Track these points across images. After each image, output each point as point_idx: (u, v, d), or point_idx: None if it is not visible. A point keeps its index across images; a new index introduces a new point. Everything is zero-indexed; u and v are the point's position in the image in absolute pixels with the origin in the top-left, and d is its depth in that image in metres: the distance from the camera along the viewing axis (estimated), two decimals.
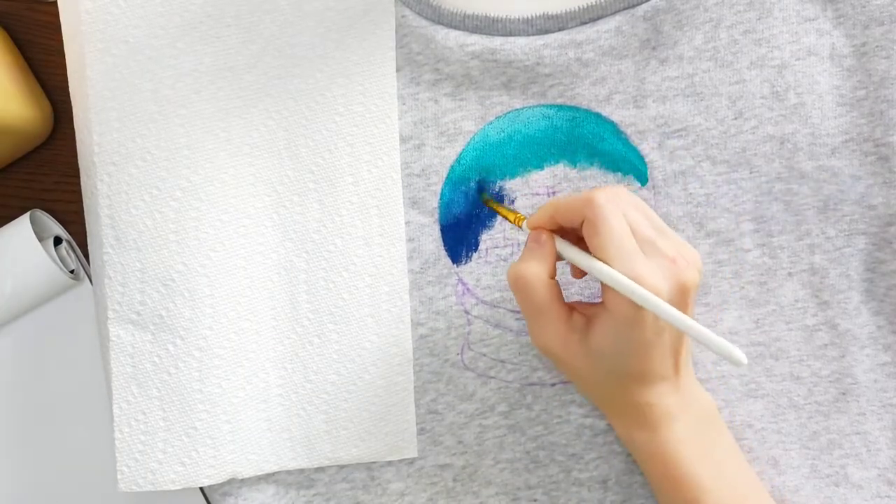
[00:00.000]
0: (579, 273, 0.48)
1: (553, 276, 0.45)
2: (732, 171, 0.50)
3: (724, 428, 0.47)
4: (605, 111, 0.50)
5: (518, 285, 0.44)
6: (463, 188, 0.51)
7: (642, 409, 0.45)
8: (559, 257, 0.45)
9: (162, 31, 0.50)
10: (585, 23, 0.50)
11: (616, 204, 0.43)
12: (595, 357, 0.44)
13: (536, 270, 0.44)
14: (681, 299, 0.42)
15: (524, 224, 0.47)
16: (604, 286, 0.43)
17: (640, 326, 0.42)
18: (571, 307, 0.45)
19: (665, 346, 0.44)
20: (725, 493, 0.44)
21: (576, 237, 0.45)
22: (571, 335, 0.44)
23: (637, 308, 0.42)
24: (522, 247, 0.50)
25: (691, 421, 0.45)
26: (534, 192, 0.51)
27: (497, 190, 0.51)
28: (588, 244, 0.43)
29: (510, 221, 0.48)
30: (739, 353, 0.39)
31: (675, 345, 0.44)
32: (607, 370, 0.45)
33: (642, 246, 0.42)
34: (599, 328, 0.44)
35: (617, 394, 0.45)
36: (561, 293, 0.45)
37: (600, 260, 0.42)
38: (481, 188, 0.50)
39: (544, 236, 0.45)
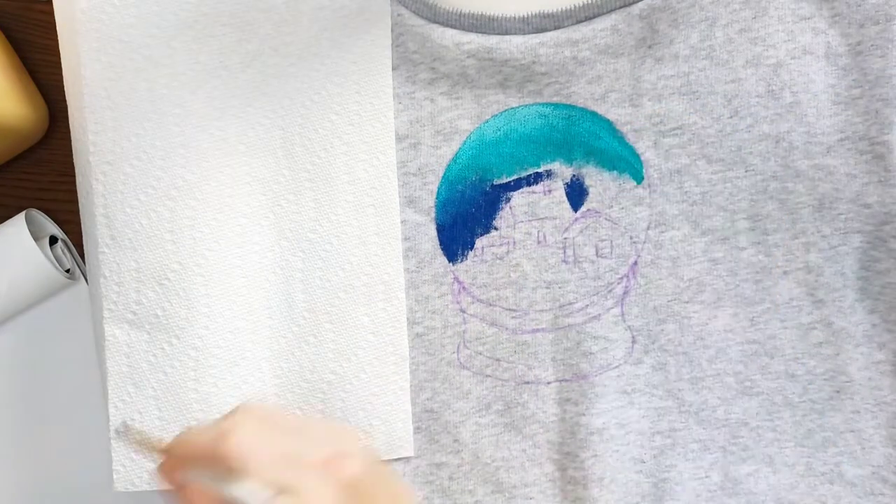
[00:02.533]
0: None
1: None
2: (728, 169, 0.50)
3: None
4: (601, 109, 0.50)
5: None
6: (459, 187, 0.51)
7: None
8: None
9: (157, 30, 0.50)
10: (581, 21, 0.50)
11: (251, 434, 0.39)
12: None
13: None
14: (352, 492, 0.40)
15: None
16: None
17: None
18: None
19: None
20: None
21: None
22: None
23: None
24: (518, 245, 0.51)
25: None
26: (530, 190, 0.51)
27: (490, 189, 0.51)
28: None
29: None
30: None
31: None
32: None
33: (288, 466, 0.39)
34: None
35: None
36: None
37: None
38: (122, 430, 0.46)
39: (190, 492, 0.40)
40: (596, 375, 0.50)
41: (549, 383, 0.50)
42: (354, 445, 0.42)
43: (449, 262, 0.51)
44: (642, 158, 0.50)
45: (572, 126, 0.51)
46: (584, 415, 0.50)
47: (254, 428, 0.40)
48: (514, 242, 0.51)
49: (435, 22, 0.50)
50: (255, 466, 0.38)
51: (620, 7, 0.50)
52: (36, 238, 0.52)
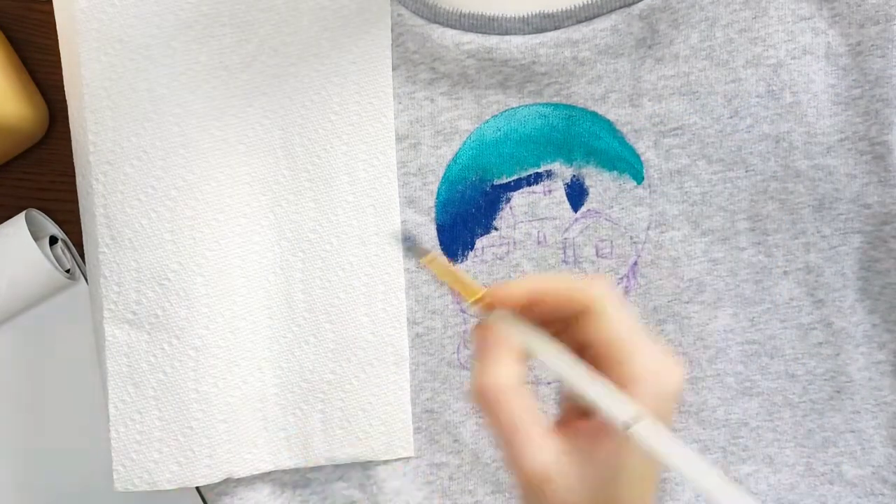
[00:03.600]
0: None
1: (524, 379, 0.36)
2: (728, 169, 0.50)
3: None
4: (601, 110, 0.50)
5: (486, 400, 0.35)
6: (459, 187, 0.51)
7: None
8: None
9: (157, 30, 0.50)
10: (581, 21, 0.50)
11: (617, 294, 0.36)
12: (576, 487, 0.35)
13: (506, 378, 0.35)
14: (679, 394, 0.36)
15: (479, 297, 0.37)
16: (615, 380, 0.35)
17: (632, 454, 0.34)
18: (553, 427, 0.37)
19: (654, 476, 0.36)
20: None
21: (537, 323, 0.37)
22: (550, 458, 0.35)
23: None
24: (518, 246, 0.50)
25: None
26: (530, 190, 0.51)
27: (490, 189, 0.51)
28: (585, 337, 0.36)
29: (461, 295, 0.37)
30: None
31: (659, 475, 0.40)
32: (609, 494, 0.36)
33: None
34: (586, 452, 0.35)
35: None
36: (535, 403, 0.36)
37: (593, 361, 0.35)
38: (410, 244, 0.45)
39: (509, 332, 0.36)
40: None
41: (549, 383, 0.50)
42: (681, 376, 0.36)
43: (449, 262, 0.51)
44: (642, 159, 0.50)
45: (572, 126, 0.51)
46: None
47: (616, 300, 0.36)
48: (515, 243, 0.51)
49: (435, 22, 0.50)
50: (624, 319, 0.35)
51: (620, 7, 0.50)
52: (36, 238, 0.52)
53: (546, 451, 0.35)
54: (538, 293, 0.36)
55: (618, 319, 0.35)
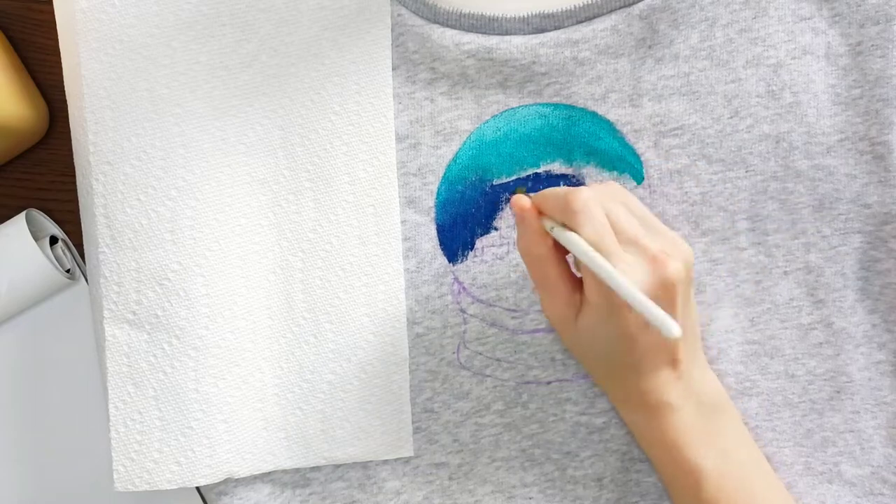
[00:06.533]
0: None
1: (552, 248, 0.45)
2: (728, 169, 0.50)
3: (733, 416, 0.47)
4: (601, 110, 0.50)
5: (527, 259, 0.45)
6: (459, 187, 0.51)
7: (640, 395, 0.45)
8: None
9: (157, 30, 0.50)
10: (581, 21, 0.50)
11: (599, 199, 0.42)
12: (586, 340, 0.45)
13: (532, 242, 0.44)
14: (664, 294, 0.42)
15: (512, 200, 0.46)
16: (583, 274, 0.44)
17: (617, 318, 0.43)
18: (578, 284, 0.45)
19: (653, 341, 0.43)
20: (728, 479, 0.45)
21: None
22: (569, 312, 0.45)
23: (609, 307, 0.42)
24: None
25: (694, 410, 0.45)
26: (530, 190, 0.51)
27: (489, 189, 0.51)
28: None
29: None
30: (675, 328, 0.37)
31: (669, 340, 0.44)
32: (599, 355, 0.45)
33: (623, 243, 0.42)
34: (585, 315, 0.44)
35: (616, 379, 0.46)
36: (564, 266, 0.45)
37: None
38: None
39: (528, 213, 0.44)
40: None
41: (549, 383, 0.50)
42: (690, 258, 0.44)
43: (449, 262, 0.51)
44: (642, 159, 0.50)
45: (572, 126, 0.51)
46: (584, 414, 0.50)
47: (606, 197, 0.43)
48: (514, 242, 0.51)
49: (435, 22, 0.50)
50: (590, 222, 0.42)
51: (620, 7, 0.50)
52: (36, 238, 0.52)
53: (560, 299, 0.45)
54: (544, 200, 0.44)
55: (586, 225, 0.42)
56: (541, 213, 0.44)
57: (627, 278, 0.40)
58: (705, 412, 0.46)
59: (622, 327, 0.43)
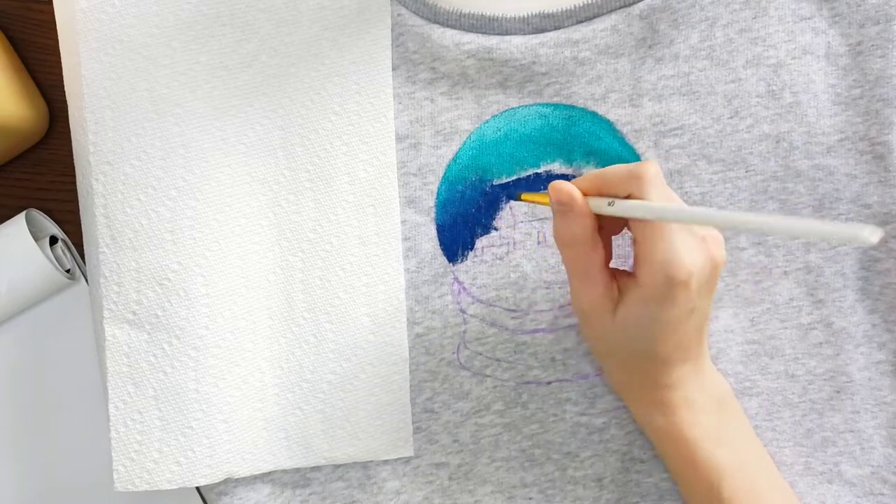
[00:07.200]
0: (614, 229, 0.47)
1: (596, 235, 0.44)
2: (728, 169, 0.50)
3: (739, 411, 0.47)
4: (601, 110, 0.50)
5: (563, 244, 0.44)
6: (459, 187, 0.51)
7: (662, 393, 0.45)
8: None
9: (157, 30, 0.50)
10: (581, 21, 0.50)
11: (662, 180, 0.42)
12: (621, 332, 0.44)
13: (580, 231, 0.43)
14: (712, 274, 0.43)
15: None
16: (636, 258, 0.42)
17: (670, 303, 0.41)
18: (614, 275, 0.45)
19: (692, 327, 0.43)
20: (743, 476, 0.45)
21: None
22: (606, 303, 0.44)
23: (670, 285, 0.41)
24: (518, 246, 0.51)
25: (708, 404, 0.46)
26: (531, 190, 0.51)
27: (489, 189, 0.51)
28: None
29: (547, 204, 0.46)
30: (868, 230, 0.33)
31: (700, 324, 0.44)
32: (631, 348, 0.44)
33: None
34: (630, 302, 0.43)
35: (638, 375, 0.46)
36: (603, 256, 0.44)
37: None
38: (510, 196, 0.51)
39: (576, 195, 0.43)
40: (596, 375, 0.50)
41: (549, 383, 0.50)
42: (723, 243, 0.44)
43: (449, 262, 0.51)
44: (642, 159, 0.50)
45: (572, 126, 0.51)
46: (584, 415, 0.50)
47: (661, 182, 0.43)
48: (514, 243, 0.51)
49: (435, 22, 0.50)
50: (663, 189, 0.42)
51: (620, 7, 0.50)
52: (36, 238, 0.52)
53: (598, 290, 0.44)
54: (603, 179, 0.43)
55: (653, 201, 0.41)
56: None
57: (696, 271, 0.41)
58: (717, 407, 0.46)
59: (669, 315, 0.42)
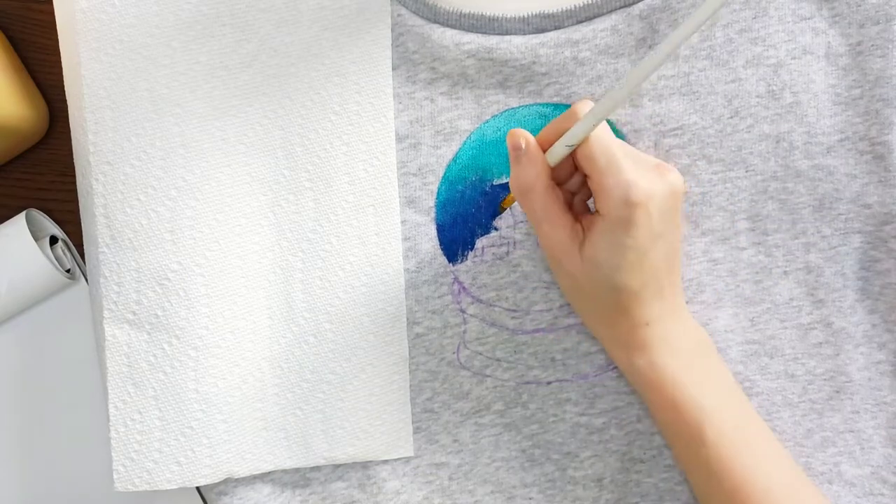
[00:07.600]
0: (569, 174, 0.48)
1: (551, 181, 0.45)
2: (728, 169, 0.50)
3: (720, 360, 0.48)
4: None
5: (520, 191, 0.45)
6: (459, 187, 0.51)
7: (639, 330, 0.45)
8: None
9: (157, 30, 0.50)
10: (581, 21, 0.50)
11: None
12: (591, 268, 0.45)
13: (533, 175, 0.45)
14: (673, 199, 0.44)
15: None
16: (595, 195, 0.44)
17: (633, 227, 0.43)
18: (576, 217, 0.46)
19: (659, 256, 0.44)
20: (727, 418, 0.45)
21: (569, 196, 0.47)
22: (573, 243, 0.45)
23: (629, 207, 0.42)
24: (518, 246, 0.51)
25: (690, 348, 0.46)
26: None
27: (489, 189, 0.51)
28: (578, 157, 0.45)
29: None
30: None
31: (669, 257, 0.45)
32: (603, 284, 0.45)
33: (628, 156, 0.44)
34: (595, 236, 0.44)
35: (613, 312, 0.46)
36: (562, 200, 0.46)
37: (588, 173, 0.44)
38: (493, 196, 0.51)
39: (526, 140, 0.45)
40: (596, 375, 0.50)
41: (549, 383, 0.50)
42: (674, 169, 0.46)
43: (449, 262, 0.51)
44: None
45: None
46: (584, 415, 0.50)
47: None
48: (514, 243, 0.51)
49: (435, 22, 0.50)
50: (606, 144, 0.43)
51: (620, 7, 0.50)
52: (36, 238, 0.52)
53: (564, 231, 0.45)
54: (548, 126, 0.45)
55: (598, 140, 0.43)
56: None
57: (658, 200, 0.43)
58: (699, 352, 0.46)
59: (634, 242, 0.43)
